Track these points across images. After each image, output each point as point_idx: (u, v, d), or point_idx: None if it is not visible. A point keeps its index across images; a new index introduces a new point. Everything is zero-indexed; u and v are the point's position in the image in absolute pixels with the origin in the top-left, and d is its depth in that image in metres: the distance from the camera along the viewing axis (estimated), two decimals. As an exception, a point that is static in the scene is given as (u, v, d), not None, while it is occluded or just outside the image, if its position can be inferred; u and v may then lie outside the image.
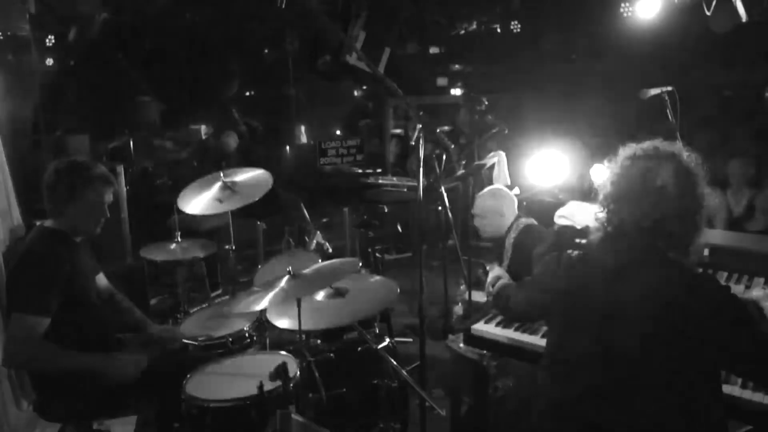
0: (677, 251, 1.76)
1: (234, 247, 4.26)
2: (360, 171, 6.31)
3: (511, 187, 3.94)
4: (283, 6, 2.73)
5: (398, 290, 2.89)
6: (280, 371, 2.31)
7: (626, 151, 1.84)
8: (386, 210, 6.09)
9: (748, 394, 1.96)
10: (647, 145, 1.82)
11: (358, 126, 8.54)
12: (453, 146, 3.74)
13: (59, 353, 2.46)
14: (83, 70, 7.82)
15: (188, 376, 2.56)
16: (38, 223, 2.72)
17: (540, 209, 4.47)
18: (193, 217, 3.54)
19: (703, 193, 1.77)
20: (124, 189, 4.62)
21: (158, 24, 7.42)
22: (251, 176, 3.50)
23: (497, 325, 2.56)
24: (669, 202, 1.72)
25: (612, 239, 1.84)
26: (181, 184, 3.56)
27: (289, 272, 2.52)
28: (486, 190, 3.82)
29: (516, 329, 2.50)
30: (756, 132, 6.91)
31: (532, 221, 3.71)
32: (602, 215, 1.87)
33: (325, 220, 6.27)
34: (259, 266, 3.79)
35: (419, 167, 2.86)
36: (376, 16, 7.05)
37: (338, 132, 9.11)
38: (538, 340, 2.41)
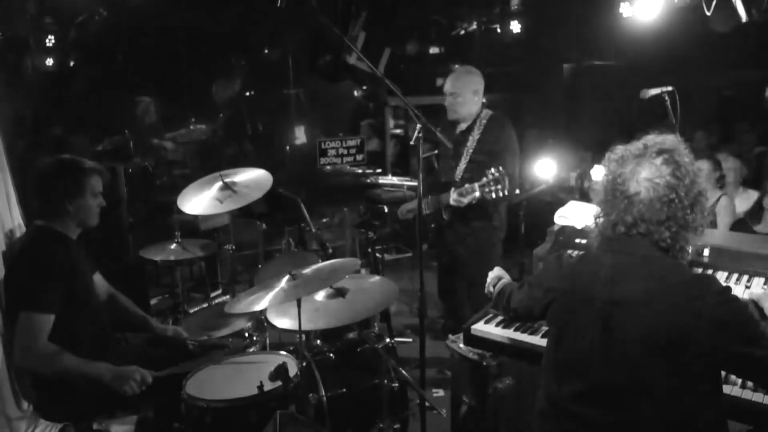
0: (674, 252, 1.75)
1: (234, 247, 4.27)
2: (360, 171, 6.30)
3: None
4: (283, 6, 2.72)
5: (398, 290, 2.89)
6: (280, 371, 2.32)
7: (612, 154, 1.83)
8: (386, 210, 6.09)
9: (748, 394, 1.96)
10: (635, 145, 1.79)
11: (358, 126, 8.53)
12: (453, 146, 3.73)
13: (68, 356, 2.45)
14: (83, 70, 7.82)
15: (188, 376, 2.56)
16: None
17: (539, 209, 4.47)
18: (194, 217, 3.54)
19: (698, 191, 1.74)
20: (124, 189, 4.62)
21: (157, 24, 7.42)
22: (251, 176, 3.50)
23: (497, 325, 2.55)
24: (646, 205, 1.71)
25: (608, 241, 1.84)
26: (181, 184, 3.56)
27: (289, 272, 2.52)
28: (459, 68, 3.81)
29: (516, 329, 2.50)
30: (756, 132, 6.91)
31: (494, 112, 3.69)
32: (595, 218, 1.89)
33: (325, 220, 6.27)
34: (259, 266, 3.79)
35: (419, 167, 2.86)
36: (376, 16, 7.06)
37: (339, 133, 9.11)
38: (538, 340, 2.40)
